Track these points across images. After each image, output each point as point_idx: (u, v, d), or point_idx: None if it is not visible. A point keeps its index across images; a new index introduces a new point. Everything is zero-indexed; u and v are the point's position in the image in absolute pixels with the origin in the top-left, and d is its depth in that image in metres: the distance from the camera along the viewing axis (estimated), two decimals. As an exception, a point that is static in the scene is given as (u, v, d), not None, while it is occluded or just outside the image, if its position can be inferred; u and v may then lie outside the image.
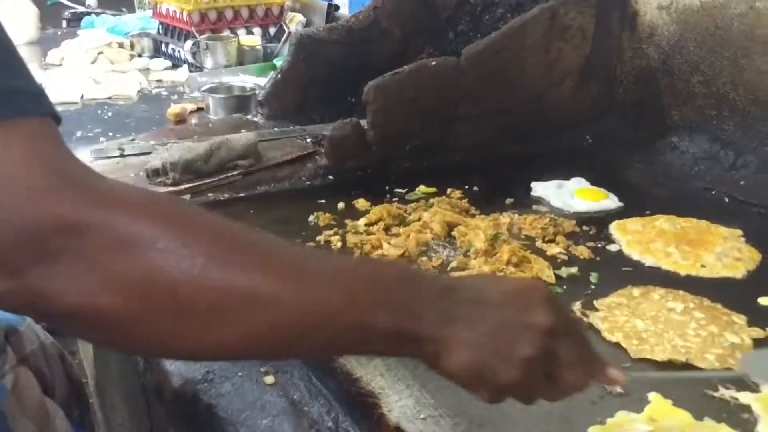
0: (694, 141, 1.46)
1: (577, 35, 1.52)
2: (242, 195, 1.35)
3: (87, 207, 0.42)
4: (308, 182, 1.43)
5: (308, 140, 1.53)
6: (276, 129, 1.60)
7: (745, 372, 0.73)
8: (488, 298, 0.54)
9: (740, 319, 0.93)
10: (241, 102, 1.83)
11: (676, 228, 1.18)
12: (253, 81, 1.97)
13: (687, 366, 0.85)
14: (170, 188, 1.29)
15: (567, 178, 1.40)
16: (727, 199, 1.32)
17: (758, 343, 0.89)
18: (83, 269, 0.41)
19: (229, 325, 0.44)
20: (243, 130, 1.55)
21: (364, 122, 1.45)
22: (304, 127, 1.58)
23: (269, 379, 0.87)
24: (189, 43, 2.17)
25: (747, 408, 0.77)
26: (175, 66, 2.25)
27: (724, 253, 1.10)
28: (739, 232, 1.17)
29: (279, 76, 1.68)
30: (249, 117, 1.71)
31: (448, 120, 1.47)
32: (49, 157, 0.42)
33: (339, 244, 1.18)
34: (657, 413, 0.77)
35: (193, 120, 1.82)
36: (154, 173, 1.31)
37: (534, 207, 1.33)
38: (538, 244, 1.18)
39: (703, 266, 1.07)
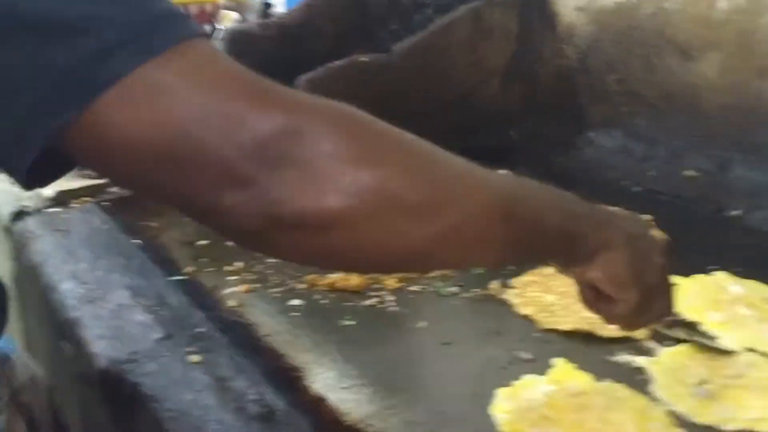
0: (609, 136, 1.55)
1: (500, 35, 1.59)
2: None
3: (297, 114, 0.44)
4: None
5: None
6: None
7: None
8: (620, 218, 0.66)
9: (642, 294, 1.00)
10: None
11: (590, 214, 1.26)
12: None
13: (590, 335, 0.91)
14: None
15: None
16: (638, 189, 1.41)
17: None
18: (310, 174, 0.43)
19: (445, 216, 0.49)
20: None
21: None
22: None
23: (195, 358, 0.89)
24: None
25: (642, 370, 0.84)
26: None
27: (632, 236, 1.18)
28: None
29: (213, 71, 1.69)
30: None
31: (379, 115, 1.51)
32: (239, 72, 0.44)
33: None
34: (560, 376, 0.82)
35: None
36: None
37: (460, 198, 1.38)
38: (463, 230, 1.24)
39: (612, 248, 1.15)
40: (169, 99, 0.41)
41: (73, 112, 0.40)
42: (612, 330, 0.92)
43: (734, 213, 1.27)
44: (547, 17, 1.63)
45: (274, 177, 0.42)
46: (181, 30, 0.42)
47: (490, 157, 1.54)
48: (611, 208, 0.69)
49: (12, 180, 0.46)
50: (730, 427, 0.76)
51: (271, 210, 0.43)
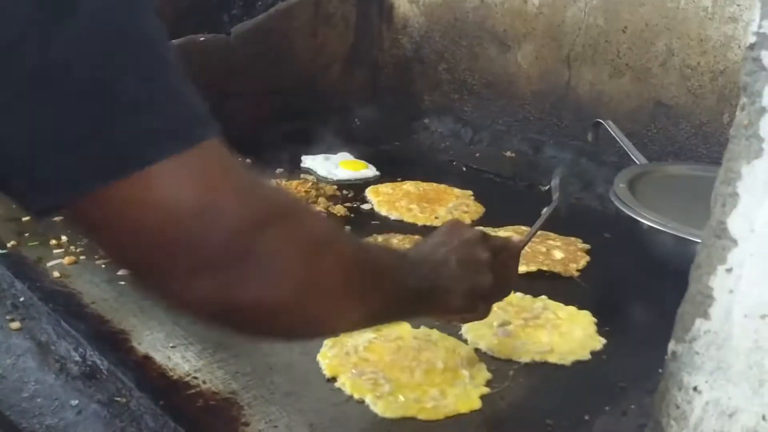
0: (441, 122, 1.66)
1: (340, 23, 1.66)
2: None
3: (268, 214, 0.48)
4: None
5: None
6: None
7: None
8: (445, 251, 0.71)
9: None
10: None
11: (419, 190, 1.35)
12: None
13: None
14: None
15: (335, 153, 1.53)
16: (464, 168, 1.52)
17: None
18: (269, 266, 0.47)
19: (367, 304, 0.57)
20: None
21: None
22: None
23: (15, 325, 0.86)
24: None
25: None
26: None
27: (455, 207, 1.28)
28: (470, 192, 1.36)
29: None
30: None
31: (219, 96, 1.52)
32: (235, 170, 0.48)
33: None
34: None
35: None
36: None
37: (302, 177, 1.43)
38: (301, 206, 1.29)
39: (436, 218, 1.24)
40: (178, 190, 0.45)
41: (115, 178, 0.43)
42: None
43: (545, 188, 1.41)
44: (384, 9, 1.72)
45: (240, 269, 0.47)
46: (210, 130, 0.48)
47: (333, 140, 1.62)
48: (430, 240, 0.74)
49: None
50: (524, 359, 0.86)
51: (230, 298, 0.47)
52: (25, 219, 1.15)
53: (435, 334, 0.88)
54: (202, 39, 1.45)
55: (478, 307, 0.74)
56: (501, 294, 0.79)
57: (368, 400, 0.77)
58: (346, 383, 0.78)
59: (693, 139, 1.31)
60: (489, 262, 0.72)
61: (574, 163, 1.41)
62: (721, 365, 0.54)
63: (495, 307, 0.97)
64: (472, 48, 1.57)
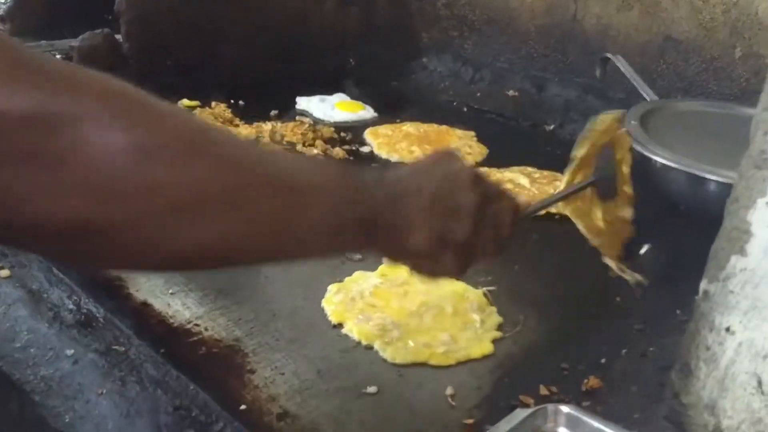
0: (440, 60, 1.60)
1: (334, -44, 1.58)
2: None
3: (54, 97, 0.36)
4: (57, 97, 1.35)
5: (57, 56, 1.44)
6: (19, 43, 1.47)
7: None
8: (420, 181, 0.56)
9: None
10: (-21, 17, 1.64)
11: (420, 131, 1.30)
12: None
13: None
14: None
15: (331, 94, 1.47)
16: (465, 109, 1.47)
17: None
18: (56, 174, 0.36)
19: (212, 222, 0.42)
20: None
21: (120, 37, 1.40)
22: (52, 42, 1.48)
23: (4, 273, 0.82)
24: None
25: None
26: None
27: (458, 148, 1.24)
28: (472, 133, 1.32)
29: (22, -13, 1.54)
30: (-12, 31, 1.55)
31: (210, 34, 1.45)
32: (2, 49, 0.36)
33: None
34: (387, 270, 0.86)
35: None
36: None
37: (297, 119, 1.37)
38: (299, 148, 1.24)
39: (439, 159, 1.20)
40: None
41: None
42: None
43: (549, 127, 1.37)
44: (380, -60, 1.63)
45: (13, 170, 0.35)
46: None
47: (328, 80, 1.56)
48: (413, 165, 0.60)
49: None
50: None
51: (11, 211, 0.36)
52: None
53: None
54: (187, -27, 1.37)
55: (446, 258, 0.57)
56: (481, 253, 0.60)
57: (377, 346, 0.74)
58: (353, 329, 0.76)
59: (703, 75, 1.27)
60: (473, 208, 0.57)
61: (580, 100, 1.36)
62: (757, 304, 0.51)
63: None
64: (473, -19, 1.50)
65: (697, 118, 1.14)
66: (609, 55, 1.25)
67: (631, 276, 0.75)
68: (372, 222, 0.52)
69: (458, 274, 0.61)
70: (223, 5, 1.44)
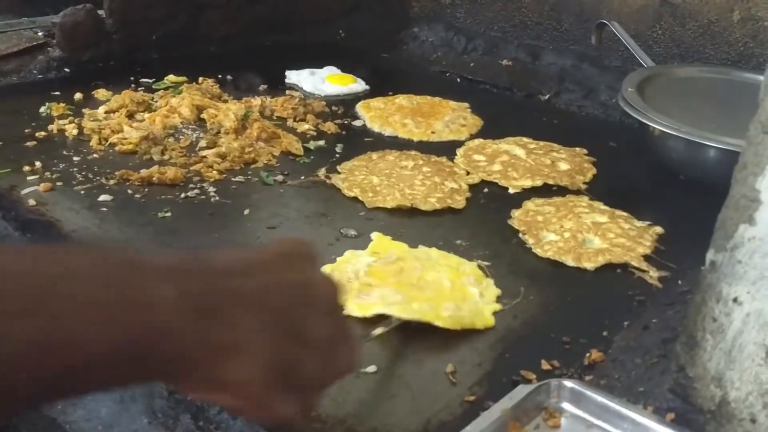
0: (432, 30, 1.56)
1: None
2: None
3: None
4: (40, 75, 1.33)
5: (39, 33, 1.40)
6: (-1, 21, 1.43)
7: None
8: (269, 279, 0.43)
9: (461, 170, 1.05)
10: (-44, -6, 1.60)
11: (413, 104, 1.28)
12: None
13: (413, 210, 0.93)
14: None
15: (320, 67, 1.44)
16: (458, 80, 1.44)
17: (473, 188, 1.01)
18: None
19: None
20: (-44, 20, 1.37)
21: (103, 13, 1.36)
22: (33, 19, 1.44)
23: None
24: None
25: (458, 235, 0.88)
26: None
27: (452, 121, 1.22)
28: (466, 105, 1.29)
29: (-1, -38, 1.49)
30: (-34, 9, 1.51)
31: (195, 6, 1.42)
32: None
33: (75, 132, 1.12)
34: (379, 248, 0.84)
35: None
36: None
37: (288, 93, 1.34)
38: (290, 123, 1.21)
39: (433, 132, 1.18)
40: None
41: None
42: (433, 203, 0.95)
43: (544, 97, 1.34)
44: None
45: None
46: None
47: (317, 53, 1.52)
48: (246, 257, 0.45)
49: None
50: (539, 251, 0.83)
51: None
52: (-7, 146, 1.07)
53: (435, 252, 0.84)
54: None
55: (282, 397, 0.43)
56: (328, 376, 0.48)
57: (382, 309, 0.72)
58: (354, 309, 0.74)
59: (700, 39, 1.24)
60: (333, 333, 0.45)
61: (575, 69, 1.33)
62: (765, 274, 0.49)
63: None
64: (464, -52, 1.46)
65: (695, 84, 1.12)
66: (605, 21, 1.22)
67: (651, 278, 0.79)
68: (165, 339, 0.37)
69: (299, 417, 0.47)
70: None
